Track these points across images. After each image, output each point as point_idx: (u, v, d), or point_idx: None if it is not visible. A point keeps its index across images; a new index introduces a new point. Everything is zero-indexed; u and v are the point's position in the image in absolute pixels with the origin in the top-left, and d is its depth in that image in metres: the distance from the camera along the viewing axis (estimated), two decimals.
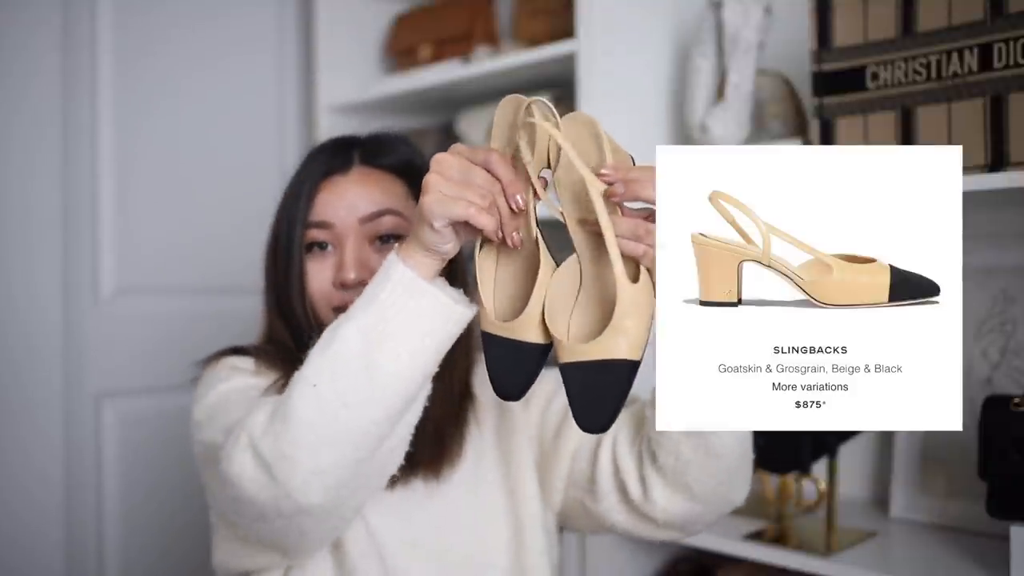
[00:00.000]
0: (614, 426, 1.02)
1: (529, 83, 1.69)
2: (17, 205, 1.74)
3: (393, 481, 1.01)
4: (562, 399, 1.10)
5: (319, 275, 1.06)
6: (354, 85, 1.93)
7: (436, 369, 0.85)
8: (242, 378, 1.01)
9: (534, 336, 0.80)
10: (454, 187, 0.78)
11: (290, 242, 1.05)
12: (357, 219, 1.05)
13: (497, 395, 0.83)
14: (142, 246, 1.91)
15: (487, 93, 1.78)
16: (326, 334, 0.84)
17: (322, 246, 1.06)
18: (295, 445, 0.80)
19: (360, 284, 1.01)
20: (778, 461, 1.28)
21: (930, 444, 1.36)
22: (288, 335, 1.06)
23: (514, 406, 1.13)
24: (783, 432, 1.23)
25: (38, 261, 1.76)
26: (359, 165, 1.09)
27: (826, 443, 1.27)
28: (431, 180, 0.78)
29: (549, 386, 1.12)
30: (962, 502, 1.30)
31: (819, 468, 1.32)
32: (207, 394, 1.00)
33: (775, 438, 1.27)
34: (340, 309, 1.02)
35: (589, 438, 1.06)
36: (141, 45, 1.91)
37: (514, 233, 0.80)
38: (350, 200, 1.05)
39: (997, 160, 1.08)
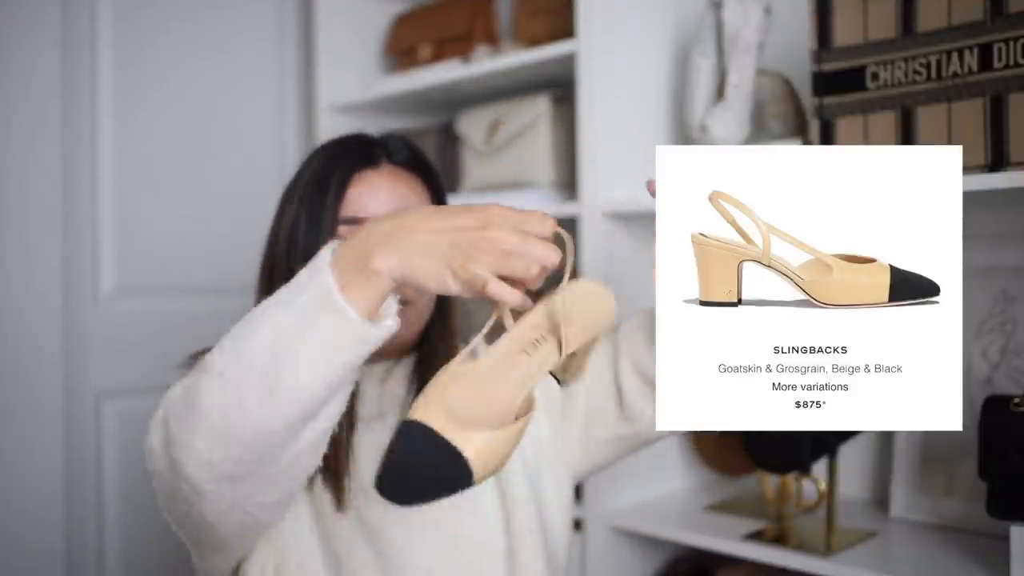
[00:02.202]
0: (624, 345, 1.06)
1: (529, 83, 1.69)
2: (17, 205, 1.74)
3: None
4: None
5: None
6: (354, 85, 1.93)
7: (350, 383, 0.81)
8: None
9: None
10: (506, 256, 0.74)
11: (316, 237, 1.00)
12: None
13: (387, 497, 0.76)
14: (142, 246, 1.91)
15: (487, 93, 1.78)
16: (246, 319, 0.80)
17: None
18: (193, 431, 0.78)
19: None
20: (778, 461, 1.28)
21: (930, 444, 1.36)
22: None
23: None
24: (783, 432, 1.23)
25: (38, 261, 1.76)
26: (388, 162, 1.06)
27: (826, 443, 1.27)
28: (494, 231, 0.73)
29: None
30: (962, 502, 1.30)
31: (819, 468, 1.32)
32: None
33: (775, 438, 1.27)
34: None
35: (598, 378, 1.08)
36: (141, 45, 1.91)
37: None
38: (383, 197, 1.03)
39: (997, 160, 1.08)
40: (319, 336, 0.76)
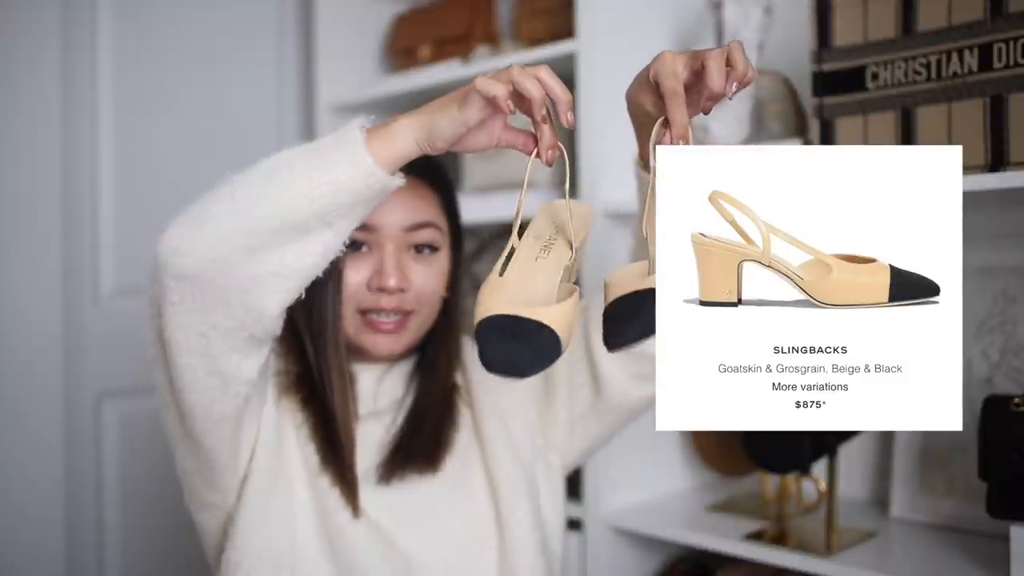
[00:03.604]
0: (592, 316, 1.11)
1: None
2: (17, 205, 1.74)
3: (389, 476, 1.07)
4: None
5: (354, 275, 1.06)
6: (354, 85, 1.93)
7: (341, 220, 0.84)
8: None
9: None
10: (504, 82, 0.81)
11: None
12: (402, 228, 1.07)
13: (508, 374, 0.79)
14: (142, 246, 1.89)
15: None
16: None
17: (357, 246, 1.06)
18: (182, 219, 0.84)
19: (399, 290, 1.06)
20: (778, 461, 1.28)
21: (930, 444, 1.36)
22: (296, 335, 1.07)
23: (496, 383, 1.14)
24: (783, 432, 1.23)
25: (38, 261, 1.76)
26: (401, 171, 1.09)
27: (826, 443, 1.27)
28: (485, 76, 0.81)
29: None
30: (962, 502, 1.30)
31: (819, 468, 1.32)
32: None
33: (775, 438, 1.27)
34: (368, 312, 1.06)
35: (571, 350, 1.10)
36: (141, 45, 1.91)
37: (549, 150, 0.83)
38: (396, 207, 1.06)
39: (997, 160, 1.08)
40: (325, 153, 0.83)
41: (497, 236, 1.85)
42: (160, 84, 1.94)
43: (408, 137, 0.83)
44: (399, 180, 0.85)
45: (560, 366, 1.12)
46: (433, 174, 1.13)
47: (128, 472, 1.87)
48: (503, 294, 0.81)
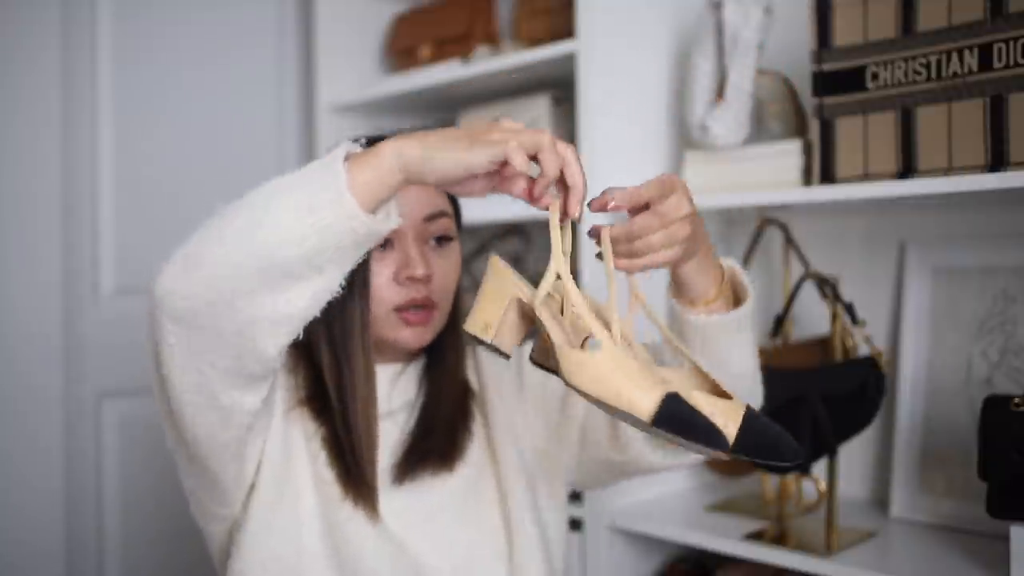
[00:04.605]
0: None
1: (529, 83, 1.69)
2: (17, 204, 1.74)
3: (403, 477, 1.06)
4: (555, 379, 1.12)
5: (381, 273, 1.04)
6: (354, 85, 1.93)
7: (331, 265, 0.80)
8: None
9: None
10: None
11: None
12: (421, 217, 1.06)
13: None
14: (142, 246, 1.91)
15: (487, 93, 1.78)
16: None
17: (381, 244, 0.99)
18: (178, 258, 0.82)
19: (427, 279, 1.04)
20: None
21: (930, 444, 1.36)
22: (319, 348, 1.05)
23: (510, 401, 1.15)
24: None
25: (38, 260, 1.76)
26: None
27: (826, 443, 1.27)
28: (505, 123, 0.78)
29: (539, 374, 1.13)
30: (962, 502, 1.30)
31: (819, 468, 1.32)
32: None
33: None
34: (402, 308, 1.04)
35: (588, 410, 1.08)
36: (141, 45, 1.91)
37: (543, 196, 0.80)
38: (413, 197, 1.04)
39: (997, 160, 1.08)
40: (310, 189, 0.77)
41: (497, 236, 1.85)
42: (160, 84, 1.94)
43: (393, 164, 0.77)
44: (392, 222, 0.80)
45: (579, 405, 1.09)
46: None
47: (128, 472, 1.87)
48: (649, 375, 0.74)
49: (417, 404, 1.11)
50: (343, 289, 0.86)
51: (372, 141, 1.05)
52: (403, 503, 1.06)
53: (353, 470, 1.03)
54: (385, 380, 1.10)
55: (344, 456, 1.03)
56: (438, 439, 1.09)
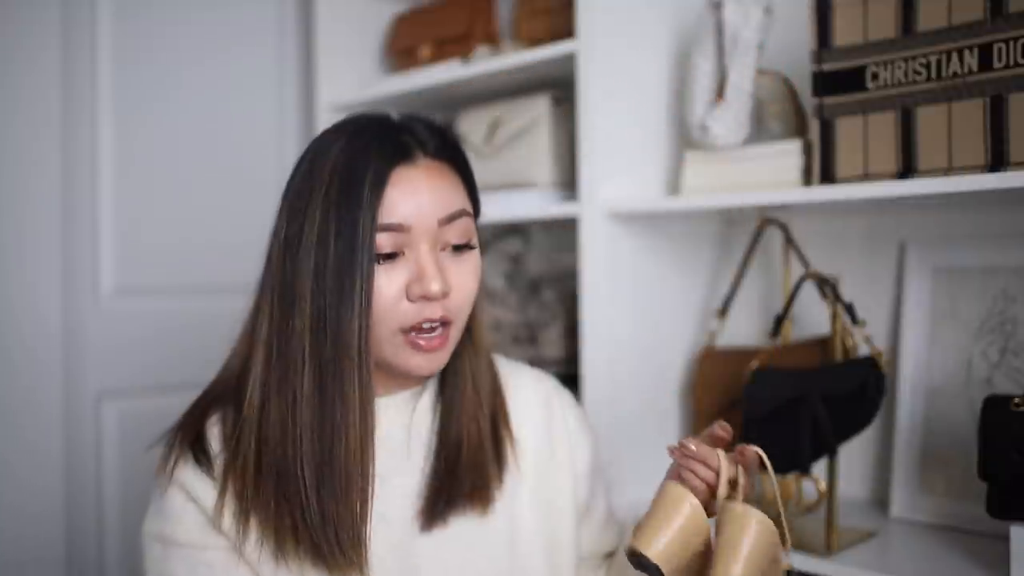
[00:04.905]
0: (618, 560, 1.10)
1: (529, 83, 1.69)
2: (17, 205, 1.74)
3: (431, 523, 0.95)
4: (589, 476, 1.13)
5: (389, 287, 0.88)
6: (354, 85, 1.93)
7: None
8: (178, 557, 0.90)
9: None
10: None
11: (353, 249, 0.86)
12: (436, 221, 0.90)
13: None
14: (142, 246, 1.91)
15: (487, 93, 1.78)
16: None
17: (391, 256, 0.88)
18: None
19: (443, 295, 0.89)
20: (778, 461, 1.28)
21: (930, 444, 1.36)
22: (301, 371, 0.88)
23: (558, 453, 1.08)
24: (783, 432, 1.23)
25: (38, 261, 1.76)
26: (423, 155, 0.92)
27: (826, 443, 1.27)
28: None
29: (588, 454, 1.12)
30: (962, 502, 1.30)
31: (819, 468, 1.32)
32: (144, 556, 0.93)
33: (775, 439, 1.26)
34: (412, 330, 0.90)
35: (596, 540, 1.15)
36: (141, 45, 1.92)
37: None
38: (425, 197, 0.89)
39: (997, 160, 1.08)
40: None
41: (497, 236, 1.85)
42: (160, 84, 1.94)
43: None
44: None
45: (584, 533, 1.11)
46: (453, 152, 0.96)
47: (128, 472, 1.87)
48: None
49: (432, 444, 0.98)
50: (335, 307, 0.80)
51: (381, 125, 0.96)
52: (436, 548, 0.95)
53: (336, 542, 0.87)
54: (402, 413, 0.98)
55: (316, 536, 0.87)
56: (466, 476, 0.95)
